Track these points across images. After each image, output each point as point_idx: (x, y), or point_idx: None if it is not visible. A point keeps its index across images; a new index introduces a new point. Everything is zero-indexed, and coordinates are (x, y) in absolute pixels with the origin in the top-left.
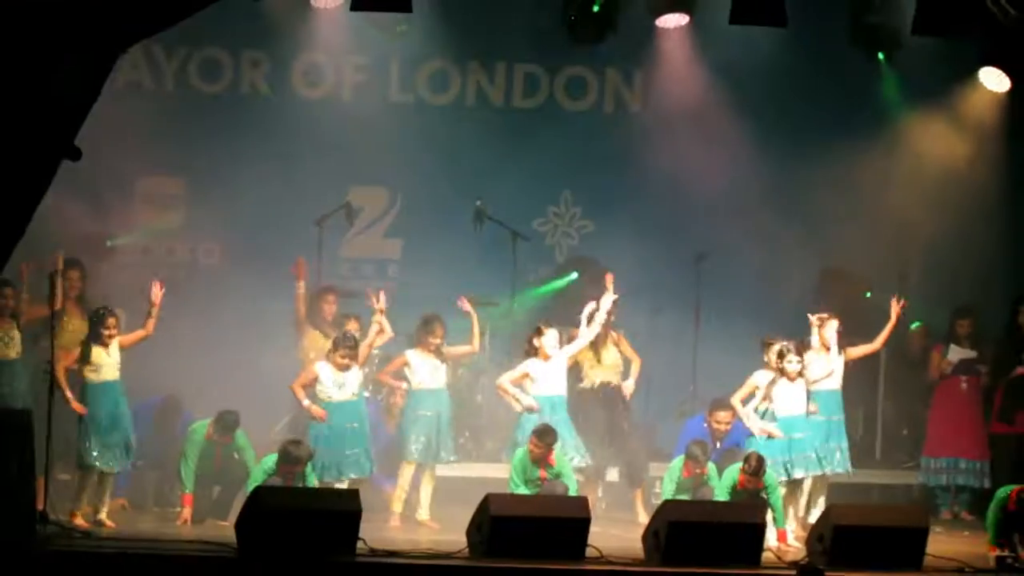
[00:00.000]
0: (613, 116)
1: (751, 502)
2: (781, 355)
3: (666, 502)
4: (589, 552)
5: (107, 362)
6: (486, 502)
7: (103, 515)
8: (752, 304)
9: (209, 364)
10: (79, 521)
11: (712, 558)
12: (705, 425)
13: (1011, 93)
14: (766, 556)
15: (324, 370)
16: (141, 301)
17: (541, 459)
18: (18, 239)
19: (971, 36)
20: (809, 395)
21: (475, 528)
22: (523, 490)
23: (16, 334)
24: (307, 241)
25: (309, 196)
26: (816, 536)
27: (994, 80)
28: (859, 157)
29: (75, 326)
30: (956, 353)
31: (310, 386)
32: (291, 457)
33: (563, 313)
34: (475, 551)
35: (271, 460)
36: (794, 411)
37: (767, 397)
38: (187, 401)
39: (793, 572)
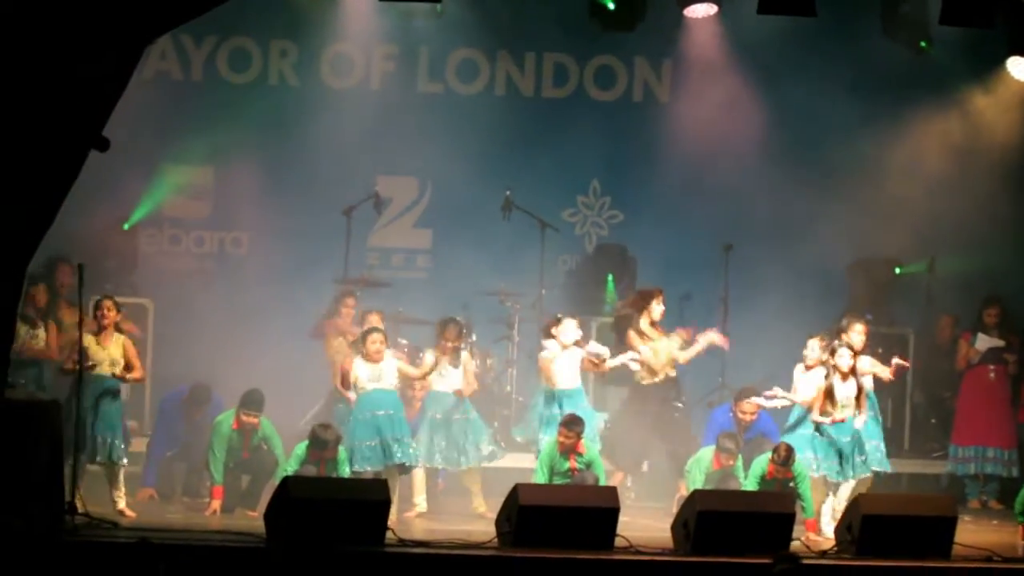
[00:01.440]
0: (642, 106)
1: (781, 492)
2: (833, 352)
3: (695, 491)
4: (618, 542)
5: (101, 357)
6: (515, 492)
7: (123, 506)
8: (779, 294)
9: (238, 353)
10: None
11: (741, 548)
12: (731, 415)
13: None
14: (795, 546)
15: (359, 366)
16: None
17: (571, 449)
18: (46, 229)
19: (999, 26)
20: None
21: (504, 518)
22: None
23: (41, 333)
24: (335, 231)
25: (337, 186)
26: (845, 525)
27: (1021, 69)
28: (888, 146)
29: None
30: (984, 342)
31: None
32: (320, 441)
33: (589, 297)
34: (504, 541)
35: (302, 447)
36: (849, 411)
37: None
38: (216, 389)
39: (824, 560)
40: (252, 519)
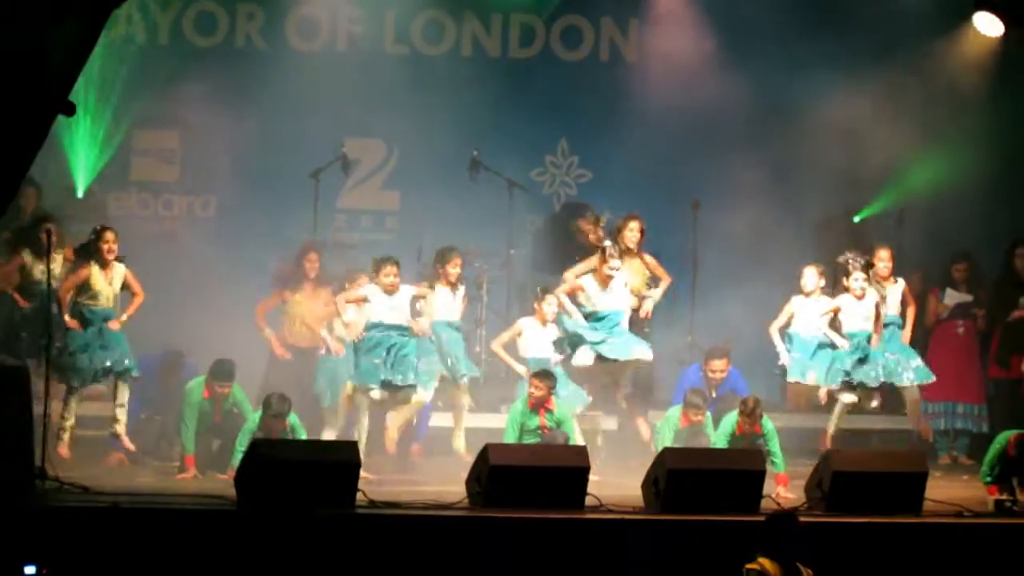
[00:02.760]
0: (609, 65)
1: (751, 448)
2: (847, 272)
3: (665, 450)
4: (588, 501)
5: (107, 292)
6: (485, 452)
7: (121, 429)
8: (749, 251)
9: (207, 317)
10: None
11: (711, 505)
12: (701, 374)
13: (1005, 37)
14: (765, 503)
15: (374, 293)
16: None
17: (540, 403)
18: (12, 195)
19: None
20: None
21: (474, 478)
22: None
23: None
24: (303, 193)
25: (305, 149)
26: (815, 482)
27: (987, 24)
28: (855, 102)
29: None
30: (952, 297)
31: (357, 304)
32: (271, 409)
33: (558, 256)
34: (474, 501)
35: (254, 420)
36: (863, 327)
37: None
38: (188, 354)
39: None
40: (223, 482)
